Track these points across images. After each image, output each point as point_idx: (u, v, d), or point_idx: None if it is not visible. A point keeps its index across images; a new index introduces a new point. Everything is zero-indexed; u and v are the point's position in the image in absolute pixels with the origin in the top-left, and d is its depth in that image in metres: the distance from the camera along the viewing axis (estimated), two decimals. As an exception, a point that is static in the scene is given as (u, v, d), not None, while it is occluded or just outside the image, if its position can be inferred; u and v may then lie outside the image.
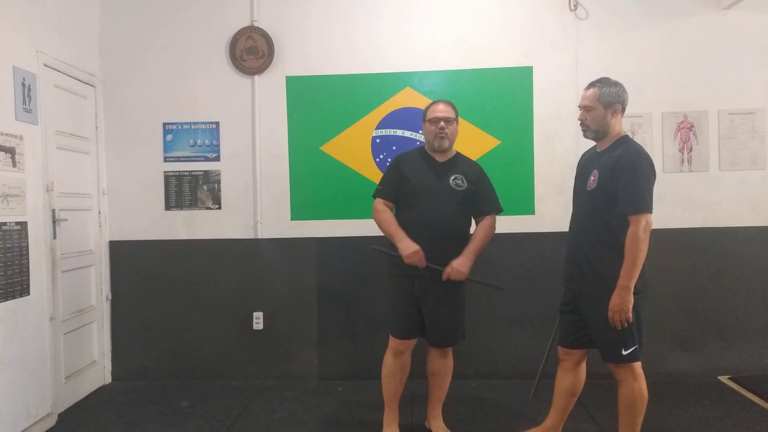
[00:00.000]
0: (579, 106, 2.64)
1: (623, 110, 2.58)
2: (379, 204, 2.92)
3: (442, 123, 2.83)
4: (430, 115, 2.89)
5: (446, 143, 2.87)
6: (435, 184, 2.84)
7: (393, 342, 2.89)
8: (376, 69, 3.94)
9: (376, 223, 2.91)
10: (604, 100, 2.54)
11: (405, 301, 2.84)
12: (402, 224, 2.85)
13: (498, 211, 2.96)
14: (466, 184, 2.87)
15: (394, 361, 2.88)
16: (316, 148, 3.97)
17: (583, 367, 2.77)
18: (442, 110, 2.87)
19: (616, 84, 2.57)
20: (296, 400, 3.62)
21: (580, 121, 2.64)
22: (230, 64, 3.97)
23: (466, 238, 2.90)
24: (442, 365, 2.96)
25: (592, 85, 2.60)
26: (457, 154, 2.97)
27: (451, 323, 2.88)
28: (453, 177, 2.86)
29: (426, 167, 2.89)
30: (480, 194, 2.92)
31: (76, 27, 3.74)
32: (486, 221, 2.93)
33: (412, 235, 2.78)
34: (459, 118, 2.96)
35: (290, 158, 3.98)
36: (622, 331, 2.42)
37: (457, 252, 2.82)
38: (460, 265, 2.76)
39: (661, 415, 3.20)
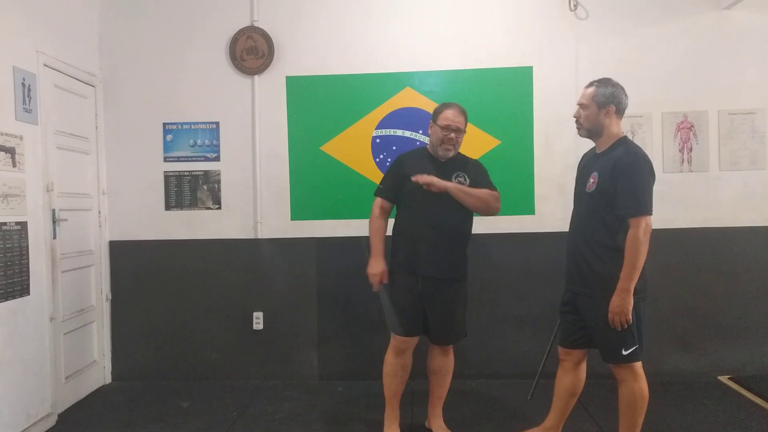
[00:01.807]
0: (577, 103, 2.65)
1: (620, 112, 2.57)
2: (376, 207, 2.95)
3: (452, 135, 2.81)
4: (441, 120, 2.83)
5: (450, 153, 2.87)
6: None
7: (395, 340, 2.86)
8: (376, 69, 3.93)
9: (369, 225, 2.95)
10: (598, 100, 2.54)
11: (408, 298, 2.82)
12: (404, 223, 2.88)
13: (495, 189, 2.89)
14: (467, 181, 2.87)
15: (395, 360, 2.87)
16: (316, 148, 3.97)
17: (584, 367, 2.77)
18: (454, 119, 2.81)
19: (615, 86, 2.56)
20: (296, 400, 3.61)
21: (575, 119, 2.65)
22: (230, 64, 3.97)
23: (468, 235, 2.90)
24: (444, 363, 2.96)
25: (592, 83, 2.60)
26: (458, 152, 2.96)
27: (454, 321, 2.88)
28: (455, 174, 2.86)
29: (428, 166, 2.86)
30: (480, 185, 2.88)
31: (76, 27, 3.74)
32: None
33: (415, 234, 2.79)
34: None
35: (290, 158, 3.98)
36: (623, 331, 2.42)
37: (458, 251, 2.84)
38: (432, 179, 2.72)
39: (661, 415, 3.20)
